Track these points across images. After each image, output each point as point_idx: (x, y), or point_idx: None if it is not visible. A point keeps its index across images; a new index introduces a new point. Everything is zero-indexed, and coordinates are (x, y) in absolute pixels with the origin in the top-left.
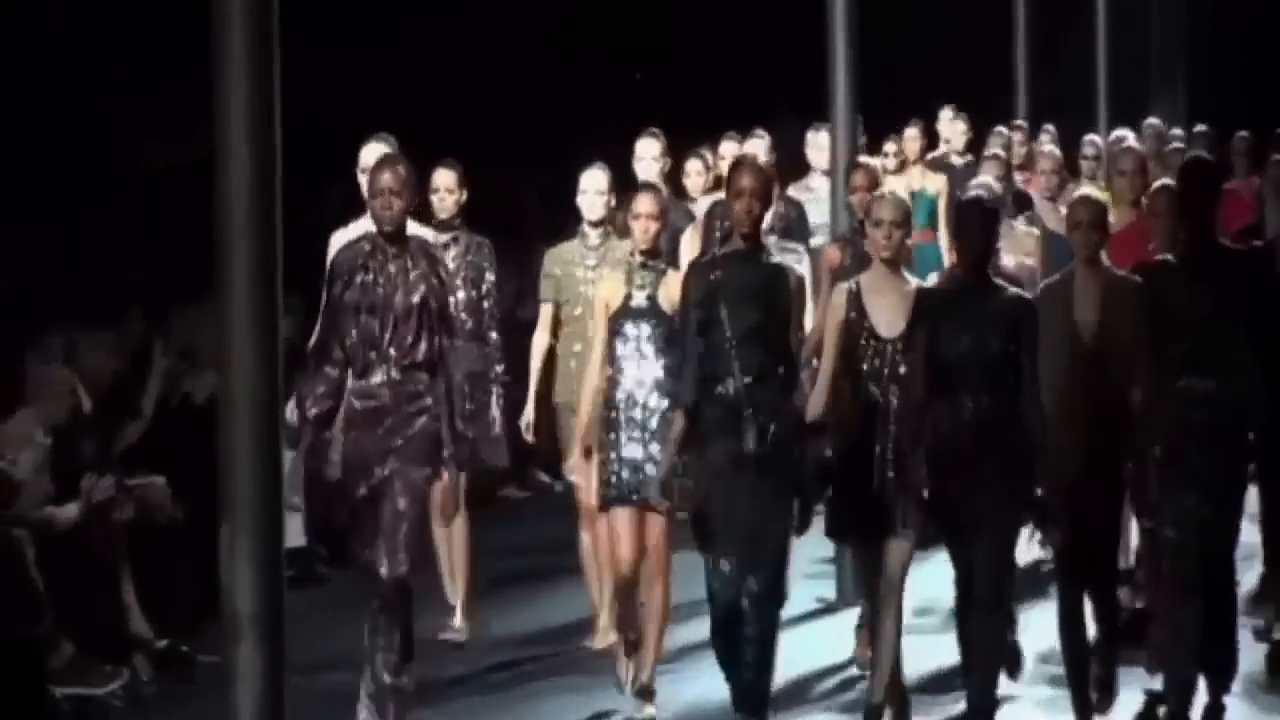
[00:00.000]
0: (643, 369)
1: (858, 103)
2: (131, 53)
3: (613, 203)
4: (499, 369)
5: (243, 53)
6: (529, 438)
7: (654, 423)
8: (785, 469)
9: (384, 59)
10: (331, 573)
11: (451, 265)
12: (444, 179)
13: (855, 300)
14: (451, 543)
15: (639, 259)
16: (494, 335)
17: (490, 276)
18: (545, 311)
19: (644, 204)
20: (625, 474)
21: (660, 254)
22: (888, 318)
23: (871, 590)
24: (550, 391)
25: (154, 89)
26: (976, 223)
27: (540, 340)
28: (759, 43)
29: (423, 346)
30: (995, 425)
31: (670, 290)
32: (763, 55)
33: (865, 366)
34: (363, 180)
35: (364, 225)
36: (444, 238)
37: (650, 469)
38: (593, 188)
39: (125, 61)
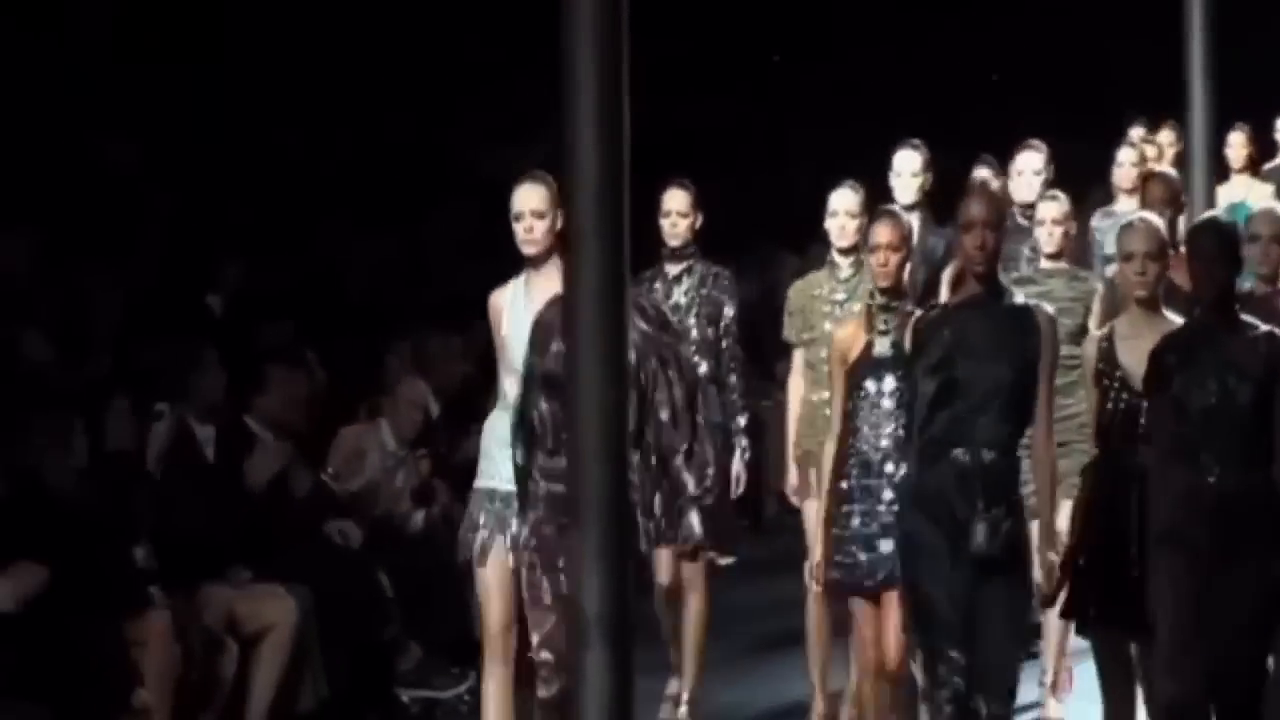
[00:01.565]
0: (881, 430)
1: (1215, 109)
2: (477, 59)
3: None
4: (741, 420)
5: (591, 56)
6: (794, 500)
7: (888, 493)
8: (1017, 573)
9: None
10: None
11: (684, 300)
12: (675, 201)
13: (1106, 348)
14: (684, 619)
15: (879, 298)
16: (734, 380)
17: (729, 312)
18: (796, 356)
19: (881, 233)
20: (861, 555)
21: (905, 292)
22: (1142, 369)
23: (1113, 688)
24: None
25: (498, 95)
26: (1211, 248)
27: (795, 386)
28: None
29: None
30: (1244, 497)
31: None
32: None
33: (1111, 425)
34: (519, 226)
35: (523, 280)
36: (675, 268)
37: (886, 546)
38: (843, 209)
39: (470, 68)
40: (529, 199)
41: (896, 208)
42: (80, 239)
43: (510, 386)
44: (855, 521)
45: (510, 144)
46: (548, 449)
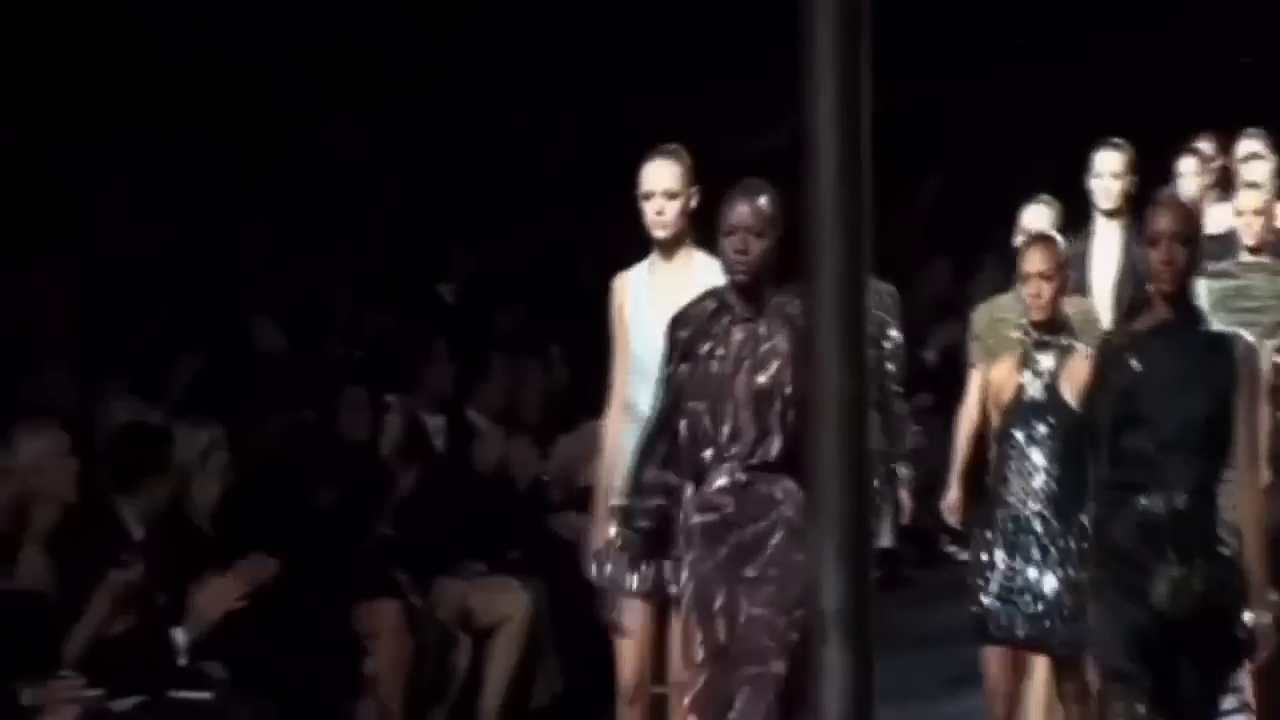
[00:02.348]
0: (1031, 483)
1: None
2: (710, 40)
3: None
4: (906, 444)
5: (832, 40)
6: (951, 520)
7: (1036, 552)
8: (1221, 642)
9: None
10: (918, 574)
11: None
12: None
13: None
14: None
15: (1032, 334)
16: (899, 404)
17: (894, 333)
18: (974, 379)
19: (1033, 259)
20: (998, 605)
21: (1062, 325)
22: None
23: None
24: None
25: (731, 78)
26: None
27: (969, 412)
28: None
29: (772, 442)
30: None
31: (1080, 376)
32: None
33: None
34: (648, 206)
35: (646, 266)
36: None
37: (1027, 604)
38: (1036, 228)
39: (704, 50)
40: (660, 176)
41: (1050, 231)
42: (311, 226)
43: (641, 394)
44: (997, 575)
45: (743, 129)
46: (697, 471)
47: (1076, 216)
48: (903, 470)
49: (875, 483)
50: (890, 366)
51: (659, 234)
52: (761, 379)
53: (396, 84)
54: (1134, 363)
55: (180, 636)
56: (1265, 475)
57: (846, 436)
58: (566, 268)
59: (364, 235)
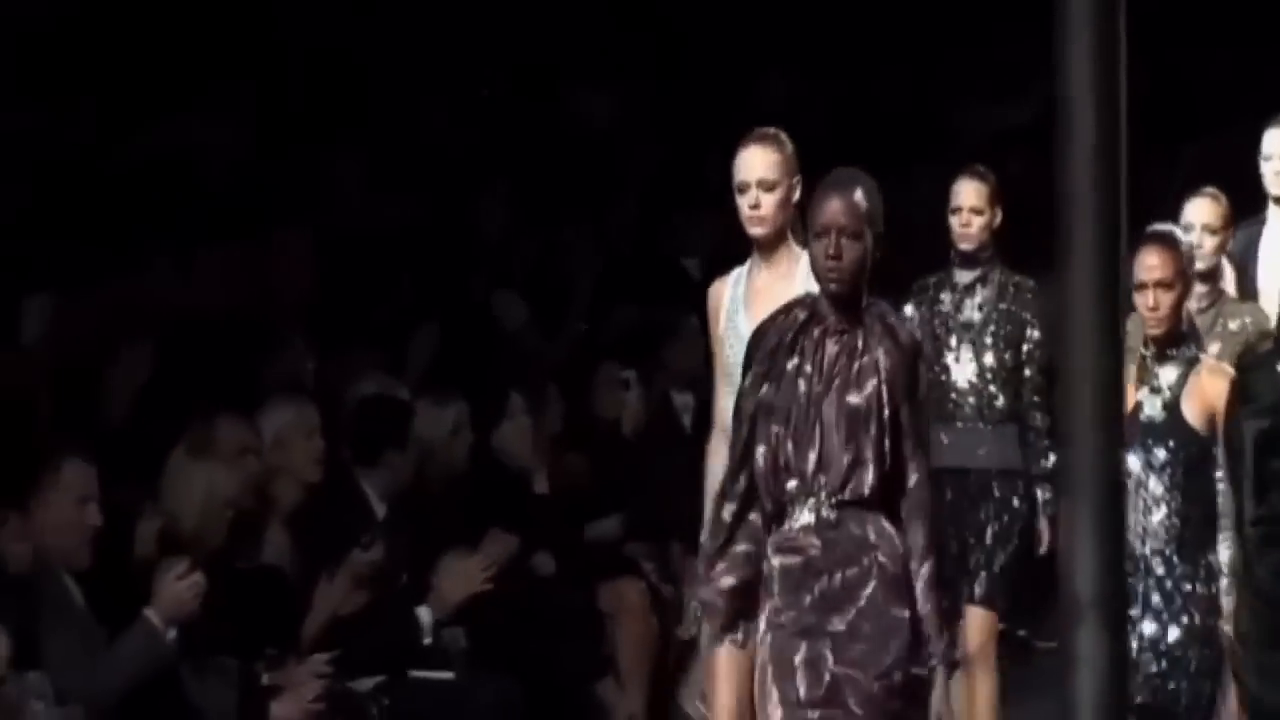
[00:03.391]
0: (1150, 518)
1: None
2: (961, 9)
3: (1224, 244)
4: (1046, 463)
5: (1087, 10)
6: None
7: (1156, 597)
8: None
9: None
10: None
11: (977, 316)
12: (968, 194)
13: None
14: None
15: (1150, 348)
16: (1039, 418)
17: (1034, 333)
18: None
19: (1149, 262)
20: (1143, 662)
21: (1185, 338)
22: None
23: None
24: None
25: (983, 46)
26: None
27: None
28: None
29: (866, 473)
30: None
31: (1207, 393)
32: None
33: None
34: (743, 200)
35: (747, 271)
36: (967, 276)
37: (1149, 664)
38: (1200, 223)
39: (954, 17)
40: (755, 165)
41: (1169, 228)
42: (555, 197)
43: (727, 401)
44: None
45: (994, 102)
46: (772, 510)
47: None
48: (1042, 493)
49: (1015, 503)
50: (1029, 371)
51: (755, 231)
52: (855, 399)
53: (642, 54)
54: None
55: (424, 615)
56: None
57: (1102, 417)
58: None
59: (608, 207)
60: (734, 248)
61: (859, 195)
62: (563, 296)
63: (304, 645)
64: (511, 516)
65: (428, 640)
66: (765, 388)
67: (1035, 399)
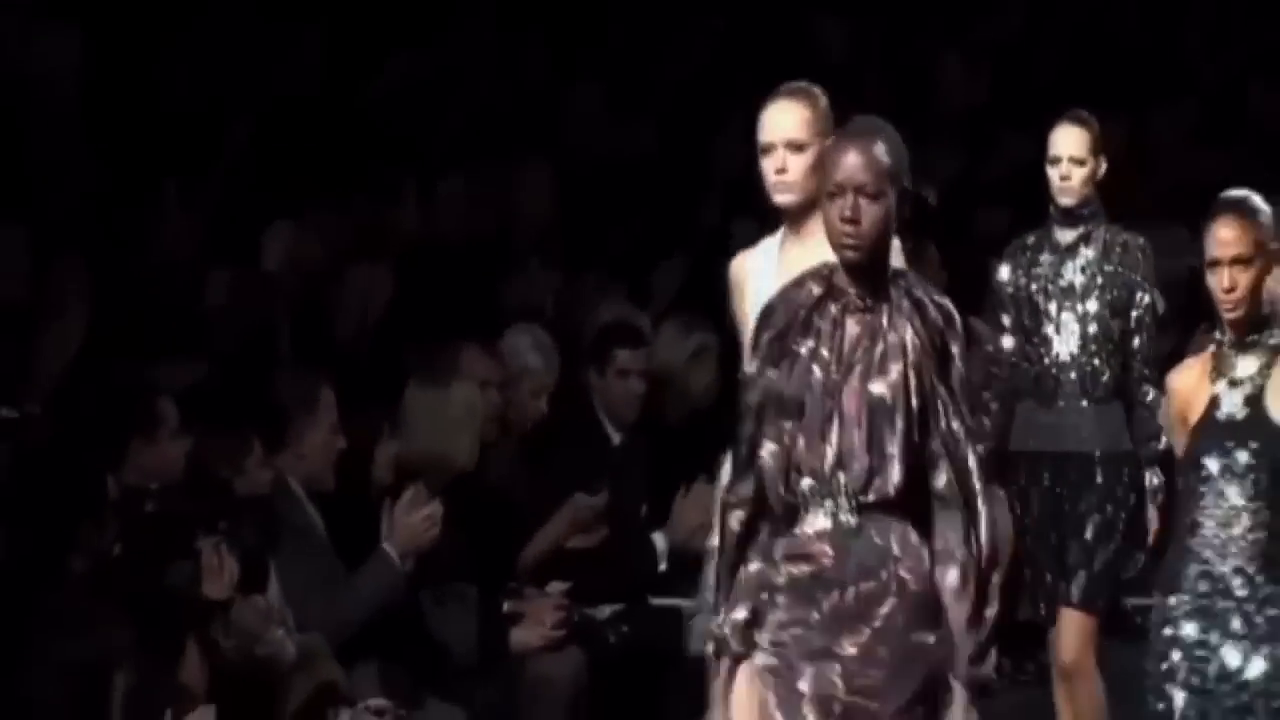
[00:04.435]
0: (1231, 530)
1: None
2: None
3: None
4: (1158, 444)
5: None
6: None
7: (1236, 622)
8: None
9: None
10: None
11: (1080, 280)
12: (1068, 142)
13: None
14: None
15: (1228, 335)
16: (1151, 392)
17: (1145, 298)
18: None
19: (1223, 237)
20: (1178, 698)
21: (1268, 321)
22: None
23: None
24: None
25: None
26: None
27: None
28: None
29: (892, 472)
30: None
31: None
32: None
33: None
34: (768, 162)
35: (773, 241)
36: (1069, 235)
37: (1227, 696)
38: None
39: None
40: (782, 123)
41: (1244, 194)
42: None
43: None
44: (1186, 657)
45: (1232, 46)
46: (783, 512)
47: None
48: (1152, 478)
49: (1120, 492)
50: (1139, 341)
51: (781, 198)
52: (878, 387)
53: None
54: None
55: (660, 542)
56: None
57: None
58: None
59: None
60: (976, 173)
61: (880, 148)
62: None
63: (521, 575)
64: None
65: (664, 567)
66: (774, 375)
67: (1145, 372)
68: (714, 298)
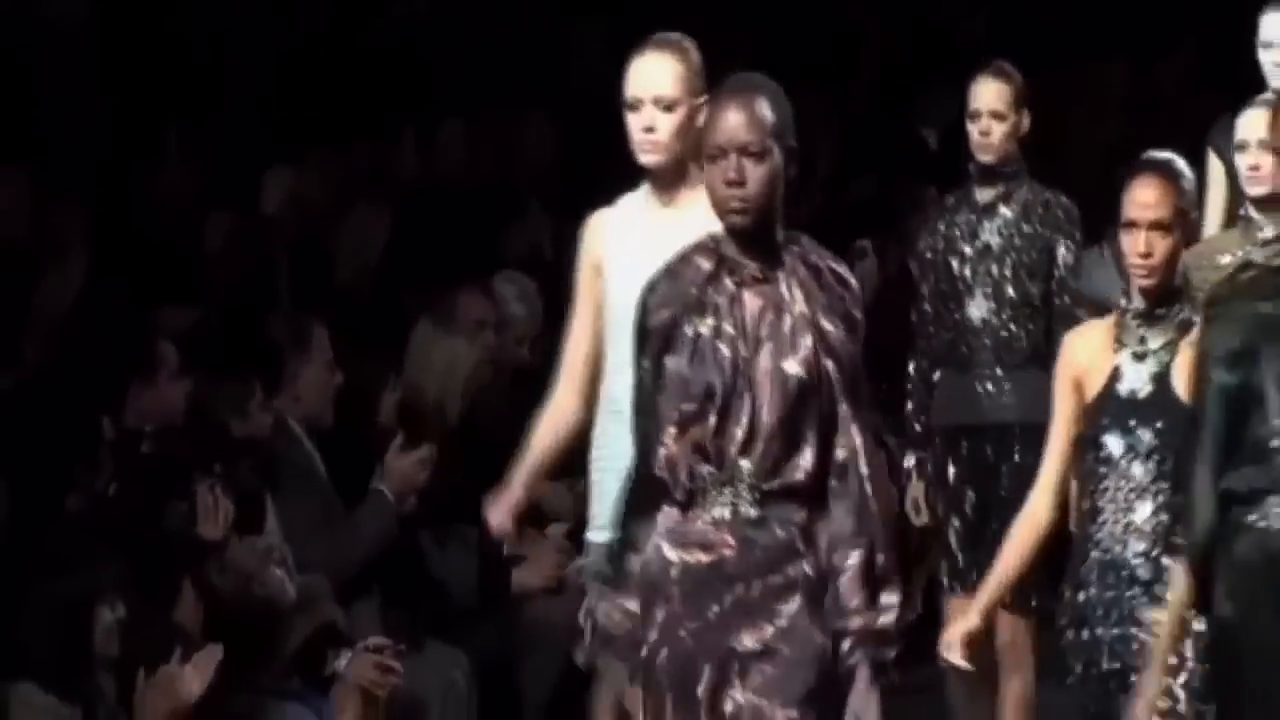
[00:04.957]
0: (1134, 514)
1: None
2: None
3: None
4: None
5: None
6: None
7: (1148, 614)
8: None
9: None
10: None
11: (996, 241)
12: (987, 96)
13: None
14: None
15: (1136, 302)
16: None
17: (1067, 257)
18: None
19: (1141, 196)
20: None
21: (1179, 295)
22: None
23: None
24: None
25: None
26: None
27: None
28: None
29: (802, 456)
30: None
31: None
32: None
33: None
34: (634, 119)
35: (635, 203)
36: (987, 194)
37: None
38: (1254, 138)
39: None
40: (651, 78)
41: (1169, 156)
42: (795, 68)
43: (617, 371)
44: (1086, 649)
45: None
46: (683, 499)
47: None
48: None
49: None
50: (1059, 304)
51: (648, 158)
52: (793, 366)
53: None
54: (1260, 307)
55: None
56: None
57: None
58: (1058, 113)
59: (848, 75)
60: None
61: (762, 105)
62: (806, 168)
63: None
64: None
65: None
66: (671, 358)
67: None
68: None
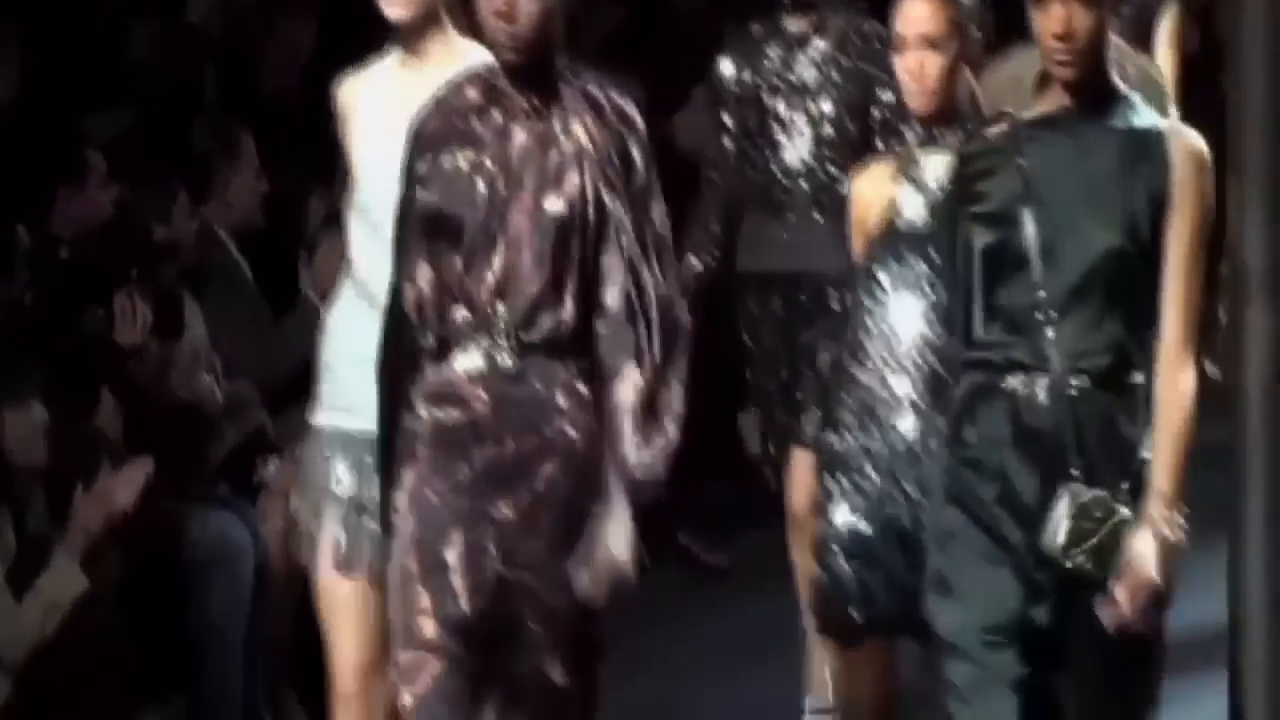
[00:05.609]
0: (899, 357)
1: None
2: None
3: None
4: None
5: None
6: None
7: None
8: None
9: None
10: None
11: (810, 76)
12: None
13: None
14: None
15: (915, 129)
16: None
17: (886, 95)
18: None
19: (913, 13)
20: (846, 566)
21: (962, 119)
22: None
23: None
24: None
25: None
26: None
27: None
28: None
29: (565, 305)
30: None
31: None
32: None
33: None
34: None
35: (390, 69)
36: (797, 24)
37: (893, 558)
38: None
39: None
40: None
41: None
42: None
43: (375, 263)
44: (844, 509)
45: None
46: (434, 346)
47: None
48: None
49: None
50: (881, 145)
51: (393, 11)
52: (556, 204)
53: None
54: (1015, 167)
55: None
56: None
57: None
58: None
59: None
60: None
61: None
62: None
63: None
64: None
65: None
66: (428, 191)
67: None
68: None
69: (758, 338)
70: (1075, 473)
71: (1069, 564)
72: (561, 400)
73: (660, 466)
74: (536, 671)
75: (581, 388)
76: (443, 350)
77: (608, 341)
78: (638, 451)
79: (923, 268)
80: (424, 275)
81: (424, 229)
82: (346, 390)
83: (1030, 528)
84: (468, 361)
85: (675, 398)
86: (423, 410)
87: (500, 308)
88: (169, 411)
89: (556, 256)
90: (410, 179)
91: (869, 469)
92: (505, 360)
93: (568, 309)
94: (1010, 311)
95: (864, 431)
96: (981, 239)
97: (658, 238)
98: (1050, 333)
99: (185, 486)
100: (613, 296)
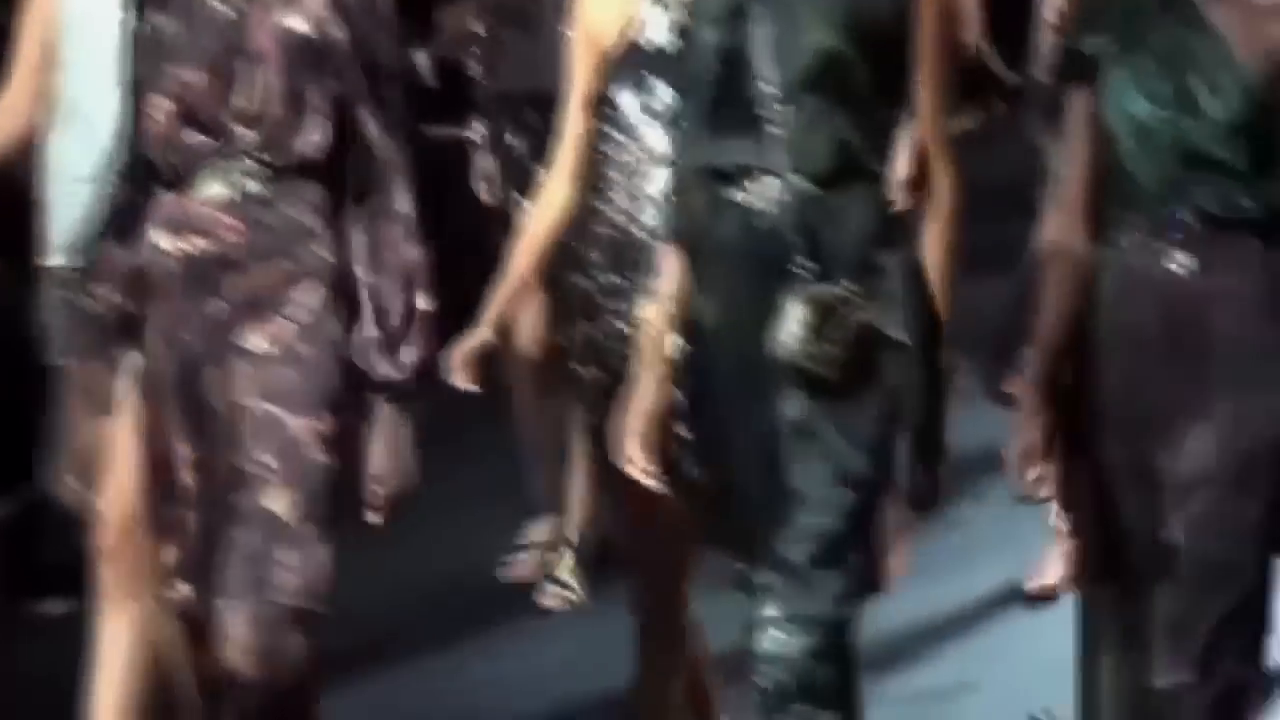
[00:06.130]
0: (645, 184)
1: None
2: None
3: None
4: None
5: None
6: None
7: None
8: (866, 402)
9: None
10: None
11: None
12: None
13: None
14: None
15: None
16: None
17: None
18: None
19: None
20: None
21: None
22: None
23: None
24: None
25: None
26: None
27: None
28: None
29: (313, 128)
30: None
31: None
32: None
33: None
34: None
35: None
36: None
37: None
38: None
39: None
40: None
41: None
42: None
43: (88, 89)
44: (595, 347)
45: None
46: (173, 175)
47: None
48: None
49: None
50: None
51: None
52: (298, 22)
53: None
54: None
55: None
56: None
57: None
58: None
59: None
60: None
61: None
62: None
63: None
64: None
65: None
66: (161, 15)
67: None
68: None
69: (510, 158)
70: (806, 272)
71: (805, 363)
72: (313, 223)
73: (407, 371)
74: (257, 506)
75: (335, 211)
76: (182, 181)
77: (370, 180)
78: (382, 364)
79: (668, 94)
80: (160, 109)
81: (160, 59)
82: (65, 223)
83: (768, 324)
84: (215, 189)
85: (420, 276)
86: (169, 244)
87: (247, 134)
88: None
89: (302, 79)
90: (136, 8)
91: (623, 306)
92: (252, 185)
93: (317, 130)
94: (738, 116)
95: (611, 265)
96: (712, 37)
97: (391, 66)
98: (775, 132)
99: None
100: (371, 128)
